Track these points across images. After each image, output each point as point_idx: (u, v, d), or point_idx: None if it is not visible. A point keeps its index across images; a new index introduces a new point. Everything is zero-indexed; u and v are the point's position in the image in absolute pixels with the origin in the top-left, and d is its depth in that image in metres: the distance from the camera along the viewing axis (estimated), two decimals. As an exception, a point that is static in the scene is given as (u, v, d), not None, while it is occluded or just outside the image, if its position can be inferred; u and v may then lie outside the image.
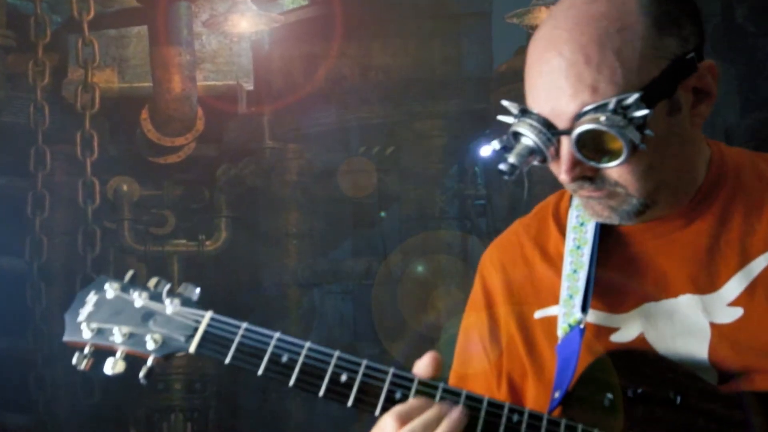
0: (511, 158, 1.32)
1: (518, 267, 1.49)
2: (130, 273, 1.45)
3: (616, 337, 1.38)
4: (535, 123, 1.31)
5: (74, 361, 1.40)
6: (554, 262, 1.45)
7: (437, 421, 1.27)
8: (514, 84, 4.19)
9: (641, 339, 1.36)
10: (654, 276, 1.39)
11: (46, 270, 4.83)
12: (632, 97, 1.26)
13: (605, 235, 1.42)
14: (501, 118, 1.36)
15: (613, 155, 1.28)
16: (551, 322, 1.41)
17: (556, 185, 1.56)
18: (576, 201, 1.46)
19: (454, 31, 4.98)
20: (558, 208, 1.51)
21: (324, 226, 5.32)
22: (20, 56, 4.83)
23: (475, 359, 1.49)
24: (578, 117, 1.28)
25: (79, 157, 4.74)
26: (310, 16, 5.05)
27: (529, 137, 1.31)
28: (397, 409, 1.28)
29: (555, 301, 1.42)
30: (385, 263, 5.06)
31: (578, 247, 1.42)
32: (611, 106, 1.26)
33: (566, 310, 1.39)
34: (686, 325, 1.35)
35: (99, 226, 4.79)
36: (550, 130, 1.31)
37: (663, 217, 1.39)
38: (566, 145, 1.30)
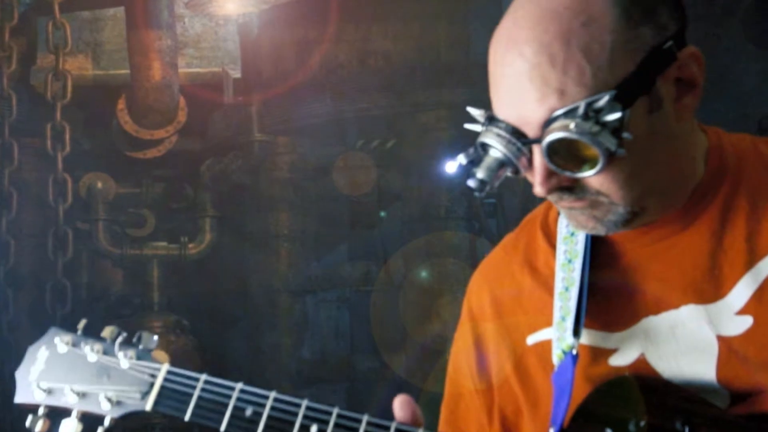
0: (480, 173, 1.30)
1: (507, 288, 1.48)
2: (82, 322, 1.46)
3: (616, 360, 1.36)
4: (502, 132, 1.29)
5: (27, 423, 1.42)
6: (545, 280, 1.44)
7: None
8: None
9: (642, 360, 1.34)
10: (652, 287, 1.36)
11: (14, 275, 4.83)
12: (603, 99, 1.23)
13: (597, 244, 1.40)
14: (469, 126, 1.34)
15: (589, 163, 1.26)
16: (545, 347, 1.40)
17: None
18: None
19: (461, 12, 4.98)
20: (547, 219, 1.49)
21: (318, 228, 5.32)
22: (-16, 41, 4.84)
23: (464, 390, 1.49)
24: (547, 124, 1.26)
25: (49, 151, 4.74)
26: (303, -4, 5.05)
27: (497, 148, 1.29)
28: None
29: (548, 322, 1.41)
30: (385, 268, 5.07)
31: (569, 261, 1.40)
32: (581, 110, 1.23)
33: (560, 334, 1.37)
34: (691, 340, 1.33)
35: (71, 227, 4.80)
36: (519, 139, 1.28)
37: (658, 221, 1.37)
38: (539, 155, 1.28)
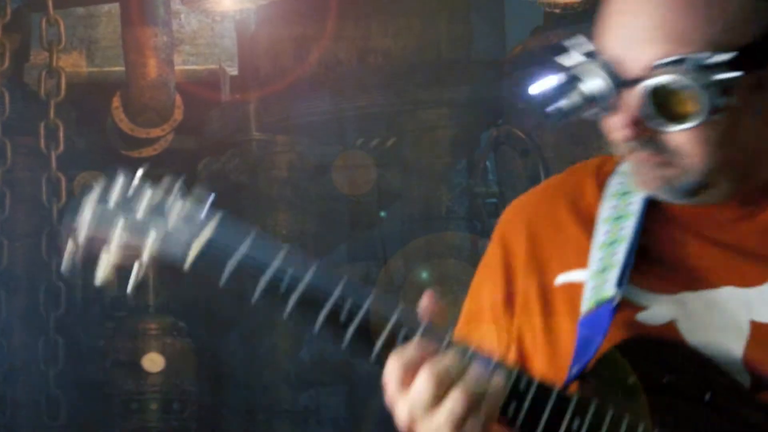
0: (564, 102, 1.31)
1: (545, 224, 1.47)
2: (140, 171, 1.46)
3: (643, 317, 1.36)
4: (599, 67, 1.29)
5: (64, 264, 1.42)
6: (586, 223, 1.44)
7: (461, 371, 1.24)
8: (530, 68, 4.20)
9: (671, 327, 1.35)
10: (696, 264, 1.38)
11: (6, 277, 4.83)
12: (724, 56, 1.23)
13: (651, 210, 1.41)
14: (559, 59, 1.34)
15: (682, 118, 1.26)
16: (573, 289, 1.40)
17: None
18: (622, 169, 1.45)
19: (463, 8, 4.98)
20: (600, 170, 1.49)
21: (317, 228, 5.31)
22: (-24, 38, 4.83)
23: (483, 325, 1.48)
24: (654, 68, 1.26)
25: (42, 150, 4.74)
26: (302, -8, 5.05)
27: (589, 82, 1.29)
28: (411, 353, 1.25)
29: (580, 264, 1.41)
30: (385, 269, 5.06)
31: (618, 218, 1.40)
32: (698, 61, 1.24)
33: (595, 284, 1.37)
34: (723, 320, 1.34)
35: (65, 228, 4.78)
36: (616, 78, 1.28)
37: (716, 204, 1.38)
38: (631, 98, 1.28)
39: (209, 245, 1.34)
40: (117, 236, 1.38)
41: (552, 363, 1.40)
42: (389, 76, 4.92)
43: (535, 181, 4.24)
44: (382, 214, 5.40)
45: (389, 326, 1.28)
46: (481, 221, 4.95)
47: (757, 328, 1.33)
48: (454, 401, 1.22)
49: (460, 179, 4.95)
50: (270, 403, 5.05)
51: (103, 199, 1.44)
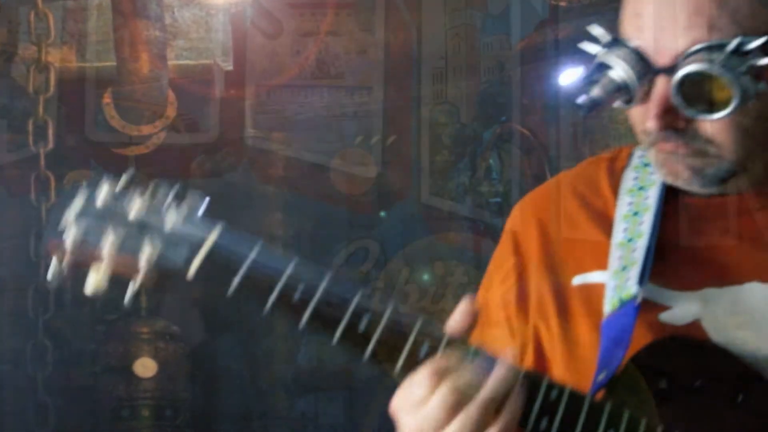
0: (594, 91, 1.32)
1: (557, 223, 1.48)
2: (125, 175, 1.41)
3: (667, 317, 1.37)
4: (629, 55, 1.31)
5: (49, 274, 1.39)
6: (602, 224, 1.45)
7: (481, 378, 1.23)
8: (534, 63, 4.20)
9: (696, 326, 1.36)
10: (719, 258, 1.39)
11: (-6, 278, 4.83)
12: (757, 41, 1.26)
13: (669, 204, 1.42)
14: (584, 46, 1.36)
15: (715, 106, 1.28)
16: (591, 290, 1.41)
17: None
18: (635, 162, 1.46)
19: (465, 2, 4.98)
20: (613, 167, 1.50)
21: (314, 229, 5.32)
22: (-37, 31, 4.84)
23: (495, 326, 1.47)
24: (687, 56, 1.28)
25: (31, 147, 4.74)
26: (299, -15, 5.05)
27: (618, 71, 1.31)
28: (436, 365, 1.24)
29: (598, 266, 1.41)
30: (385, 271, 5.06)
31: (635, 214, 1.41)
32: (731, 47, 1.26)
33: (617, 283, 1.38)
34: (749, 316, 1.35)
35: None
36: (648, 66, 1.30)
37: (739, 194, 1.40)
38: (663, 86, 1.30)
39: (215, 251, 1.31)
40: (109, 245, 1.34)
41: (571, 367, 1.40)
42: (389, 71, 4.92)
43: (540, 179, 4.24)
44: (382, 214, 5.40)
45: (411, 339, 1.27)
46: (485, 221, 4.95)
47: None
48: (468, 411, 1.22)
49: (463, 178, 4.95)
50: (266, 409, 5.05)
51: (89, 208, 1.38)
